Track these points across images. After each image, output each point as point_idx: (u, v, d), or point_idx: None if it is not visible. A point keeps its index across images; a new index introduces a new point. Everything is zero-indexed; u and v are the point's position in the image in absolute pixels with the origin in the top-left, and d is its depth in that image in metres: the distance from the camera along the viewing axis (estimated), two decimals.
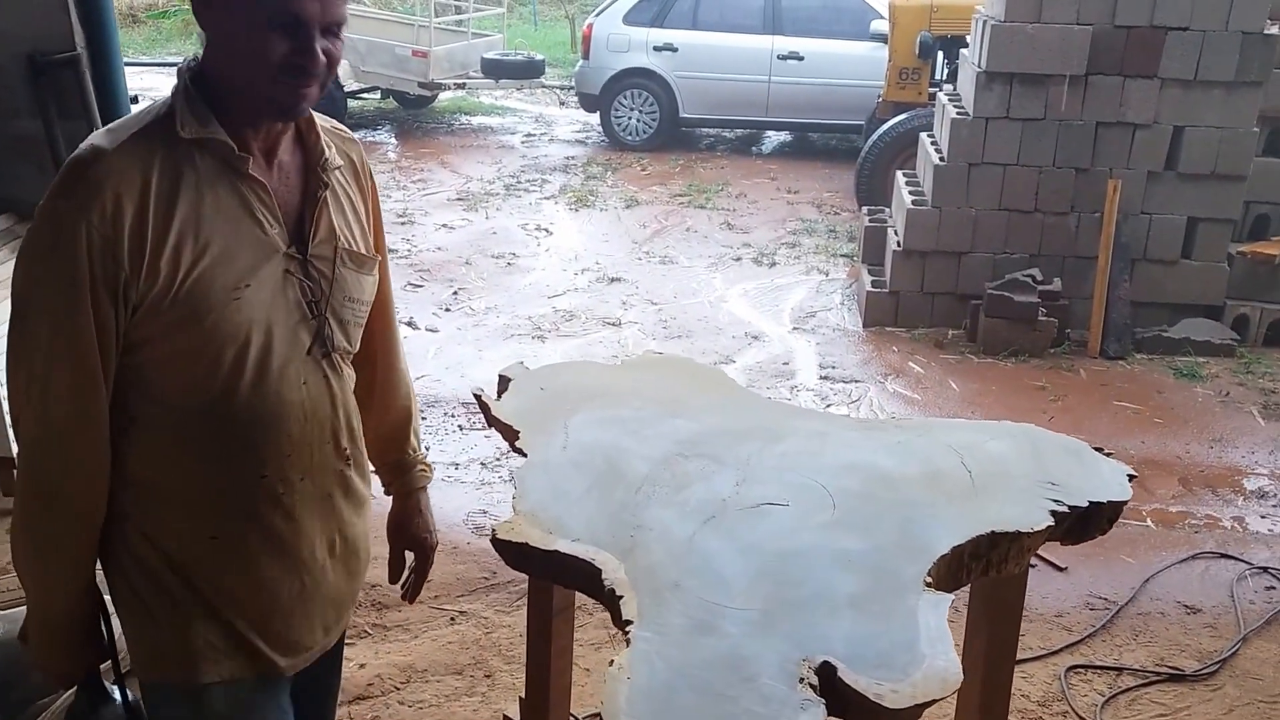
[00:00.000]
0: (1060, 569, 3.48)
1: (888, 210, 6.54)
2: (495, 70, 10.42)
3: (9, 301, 1.35)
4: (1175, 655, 3.07)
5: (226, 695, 1.46)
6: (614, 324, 5.71)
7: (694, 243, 7.21)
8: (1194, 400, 4.96)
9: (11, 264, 1.37)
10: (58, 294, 1.29)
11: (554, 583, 1.75)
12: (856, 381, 5.07)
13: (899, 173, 6.36)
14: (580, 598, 2.20)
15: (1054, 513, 1.72)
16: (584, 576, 1.56)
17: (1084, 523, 1.78)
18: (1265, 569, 3.55)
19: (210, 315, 1.33)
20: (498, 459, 4.11)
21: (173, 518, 1.42)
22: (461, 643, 2.92)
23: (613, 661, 1.34)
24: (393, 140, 10.22)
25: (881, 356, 5.38)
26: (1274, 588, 3.45)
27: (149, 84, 10.09)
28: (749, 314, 5.93)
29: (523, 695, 2.19)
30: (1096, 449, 1.97)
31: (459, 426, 4.46)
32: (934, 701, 1.29)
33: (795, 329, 5.72)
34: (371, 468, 1.67)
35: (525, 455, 1.86)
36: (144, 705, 1.51)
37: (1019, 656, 3.01)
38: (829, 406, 4.73)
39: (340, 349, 1.49)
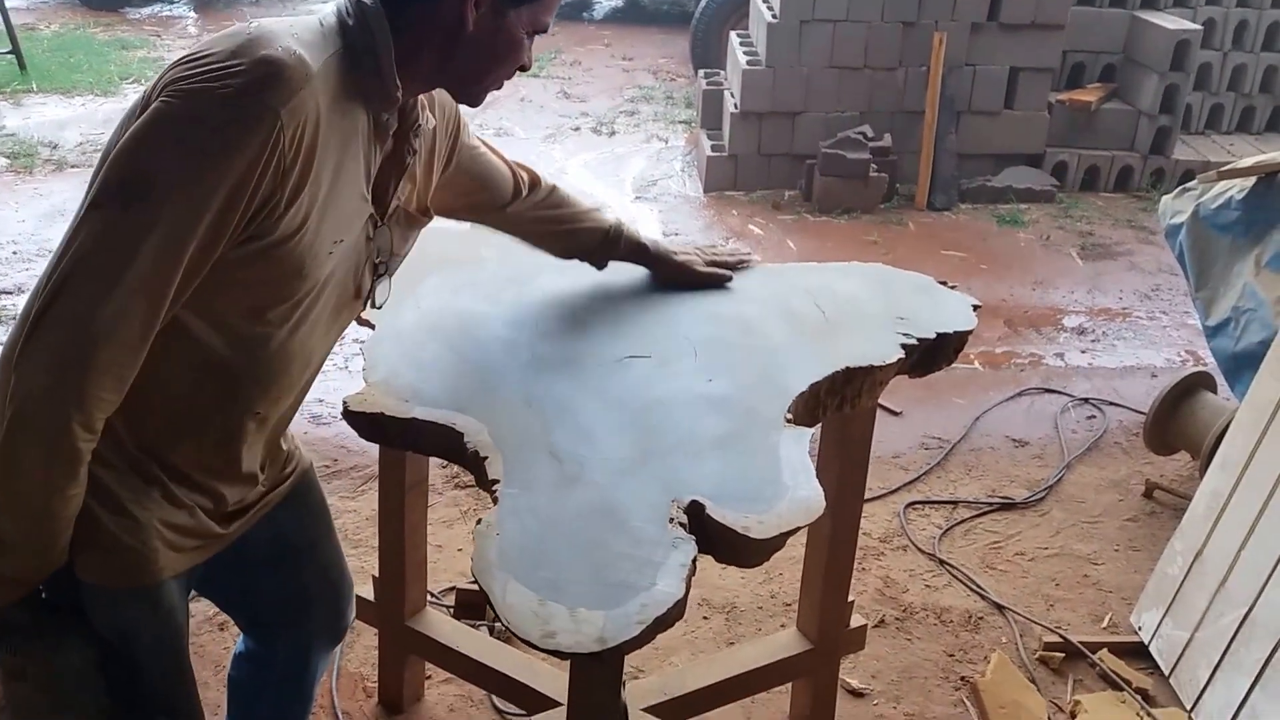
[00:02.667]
0: (896, 414, 3.60)
1: (723, 73, 6.46)
2: None
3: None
4: (1006, 486, 3.24)
5: (178, 586, 1.40)
6: None
7: (530, 113, 7.00)
8: (1017, 245, 5.16)
9: None
10: (210, 190, 1.13)
11: (413, 451, 1.70)
12: None
13: (733, 33, 6.28)
14: (431, 475, 2.15)
15: (904, 345, 1.77)
16: (445, 442, 1.52)
17: (932, 354, 1.84)
18: (1086, 400, 3.76)
19: (312, 266, 1.28)
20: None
21: (152, 419, 1.31)
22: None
23: (480, 520, 1.32)
24: (191, 14, 9.43)
25: (722, 221, 5.39)
26: (1094, 416, 3.66)
27: None
28: (590, 185, 5.81)
29: (376, 574, 2.15)
30: (942, 283, 2.02)
31: None
32: (799, 529, 1.34)
33: (638, 198, 5.65)
34: None
35: (372, 327, 1.79)
36: (90, 608, 1.35)
37: None
38: None
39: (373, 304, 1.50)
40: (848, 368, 1.69)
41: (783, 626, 2.58)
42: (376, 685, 2.28)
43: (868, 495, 3.13)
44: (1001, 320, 4.36)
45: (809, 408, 1.66)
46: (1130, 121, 5.90)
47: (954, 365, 3.92)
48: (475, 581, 1.25)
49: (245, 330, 1.29)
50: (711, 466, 1.44)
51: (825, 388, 1.68)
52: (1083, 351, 4.17)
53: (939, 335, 1.82)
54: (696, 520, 1.34)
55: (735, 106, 5.76)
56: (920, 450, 3.42)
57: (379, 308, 1.51)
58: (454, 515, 2.95)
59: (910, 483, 3.23)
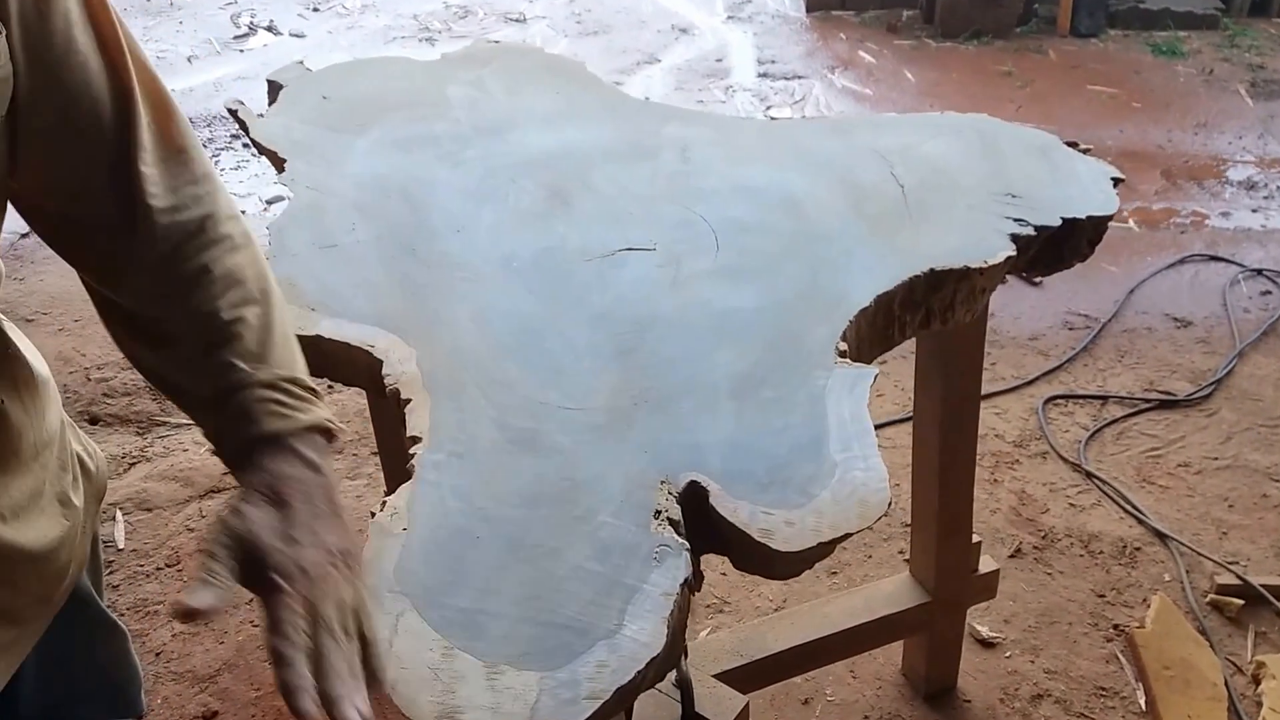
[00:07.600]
0: (1034, 283, 3.06)
1: None
2: None
3: None
4: (1165, 378, 2.71)
5: None
6: (518, 19, 4.98)
7: None
8: (1175, 80, 4.48)
9: None
10: None
11: (330, 379, 1.27)
12: (800, 77, 4.45)
13: None
14: None
15: (1015, 236, 1.27)
16: (361, 370, 1.08)
17: (1056, 248, 1.34)
18: (1260, 271, 3.16)
19: None
20: None
21: None
22: (341, 415, 2.45)
23: (384, 504, 0.89)
24: None
25: (827, 46, 4.74)
26: (1270, 292, 3.07)
27: None
28: (676, 2, 5.22)
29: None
30: (1070, 144, 1.49)
31: None
32: (848, 535, 0.87)
33: (730, 18, 5.08)
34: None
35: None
36: None
37: (989, 390, 2.65)
38: (769, 109, 4.13)
39: None
40: (933, 270, 1.20)
41: (900, 554, 2.14)
42: None
43: (1000, 387, 2.65)
44: (1158, 170, 3.72)
45: (877, 329, 1.18)
46: None
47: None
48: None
49: None
50: (724, 425, 0.98)
51: (900, 299, 1.19)
52: (1254, 210, 3.53)
53: (1066, 222, 1.30)
54: (697, 511, 0.90)
55: None
56: (1063, 330, 2.88)
57: None
58: None
59: (1050, 372, 2.71)
